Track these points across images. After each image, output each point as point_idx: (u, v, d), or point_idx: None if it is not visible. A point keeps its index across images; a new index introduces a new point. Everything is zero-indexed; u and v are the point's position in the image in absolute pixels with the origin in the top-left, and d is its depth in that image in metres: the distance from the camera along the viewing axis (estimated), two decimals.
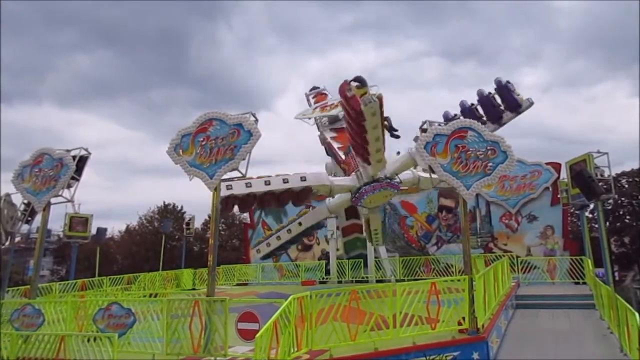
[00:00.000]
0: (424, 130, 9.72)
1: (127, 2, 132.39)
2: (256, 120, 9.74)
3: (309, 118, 18.63)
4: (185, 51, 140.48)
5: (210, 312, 8.34)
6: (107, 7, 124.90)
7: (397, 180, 13.55)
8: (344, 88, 10.54)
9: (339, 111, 17.62)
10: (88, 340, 7.85)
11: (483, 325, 8.71)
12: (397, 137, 16.01)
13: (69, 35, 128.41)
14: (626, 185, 36.25)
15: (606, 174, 13.34)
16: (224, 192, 11.95)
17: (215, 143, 9.63)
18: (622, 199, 35.83)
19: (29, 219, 16.16)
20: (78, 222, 22.01)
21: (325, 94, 19.43)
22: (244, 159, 9.54)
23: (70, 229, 21.80)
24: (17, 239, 23.52)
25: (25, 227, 17.05)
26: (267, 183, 12.92)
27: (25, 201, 13.07)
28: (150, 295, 15.20)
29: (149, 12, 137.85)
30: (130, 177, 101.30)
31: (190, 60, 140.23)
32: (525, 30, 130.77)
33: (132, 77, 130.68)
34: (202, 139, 9.74)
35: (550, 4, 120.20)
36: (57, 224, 46.91)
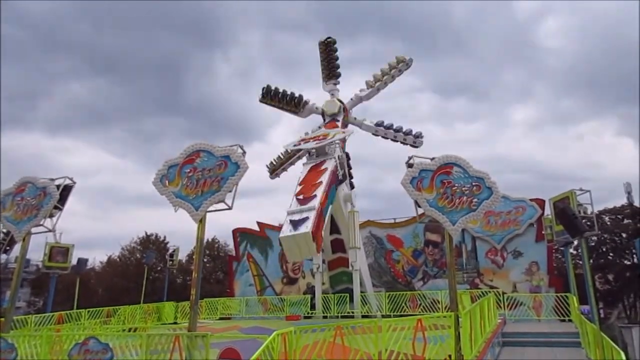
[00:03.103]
0: (410, 165, 9.81)
1: (125, 31, 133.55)
2: (244, 152, 9.77)
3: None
4: (180, 81, 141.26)
5: (191, 347, 8.10)
6: (104, 36, 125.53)
7: None
8: None
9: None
10: None
11: None
12: None
13: (64, 62, 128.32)
14: (609, 222, 36.74)
15: (589, 211, 13.55)
16: None
17: (202, 174, 9.62)
18: (605, 235, 36.23)
19: (8, 248, 15.79)
20: (58, 252, 21.54)
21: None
22: (230, 191, 9.51)
23: (50, 259, 21.28)
24: None
25: (3, 257, 16.66)
26: None
27: (5, 230, 12.77)
28: (130, 330, 14.76)
29: (146, 42, 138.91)
30: (118, 206, 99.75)
31: (185, 90, 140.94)
32: (516, 69, 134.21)
33: (125, 106, 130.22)
34: (188, 170, 9.73)
35: (541, 44, 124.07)
36: (37, 254, 45.78)
